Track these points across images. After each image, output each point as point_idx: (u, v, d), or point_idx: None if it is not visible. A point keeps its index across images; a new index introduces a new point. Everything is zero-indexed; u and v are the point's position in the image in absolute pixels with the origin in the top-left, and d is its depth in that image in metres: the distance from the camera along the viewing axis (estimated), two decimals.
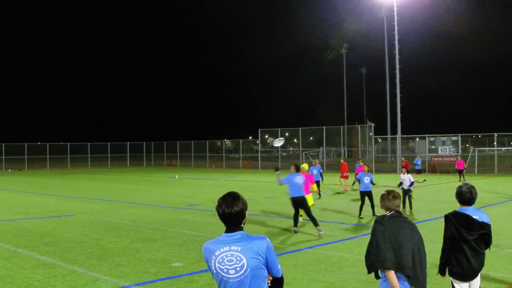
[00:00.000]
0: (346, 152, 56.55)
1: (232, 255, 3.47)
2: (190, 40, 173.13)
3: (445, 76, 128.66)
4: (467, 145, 52.77)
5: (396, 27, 45.04)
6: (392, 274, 4.53)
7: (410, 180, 16.52)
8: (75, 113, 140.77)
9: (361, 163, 24.51)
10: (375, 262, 4.65)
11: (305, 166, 14.70)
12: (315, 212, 13.63)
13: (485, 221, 5.26)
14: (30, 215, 16.57)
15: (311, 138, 57.68)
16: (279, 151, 54.39)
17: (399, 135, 45.02)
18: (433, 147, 43.15)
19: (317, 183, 21.71)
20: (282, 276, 3.65)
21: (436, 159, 42.58)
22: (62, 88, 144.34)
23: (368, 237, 4.92)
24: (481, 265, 5.26)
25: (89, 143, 60.73)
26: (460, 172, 32.17)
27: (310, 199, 14.02)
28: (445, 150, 42.12)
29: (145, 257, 10.02)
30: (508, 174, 39.05)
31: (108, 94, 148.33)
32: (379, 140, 61.16)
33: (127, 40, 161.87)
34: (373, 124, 50.94)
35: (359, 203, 15.81)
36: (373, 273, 4.80)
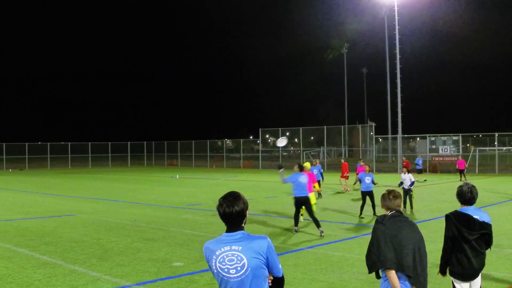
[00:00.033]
0: (347, 152, 56.52)
1: (233, 255, 3.47)
2: (190, 40, 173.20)
3: (446, 75, 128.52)
4: (468, 145, 52.75)
5: (396, 27, 45.04)
6: (393, 274, 4.53)
7: (410, 179, 16.52)
8: (76, 112, 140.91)
9: (362, 163, 24.54)
10: (376, 262, 4.65)
11: (307, 165, 14.68)
12: (315, 212, 13.61)
13: (486, 221, 5.25)
14: (31, 215, 16.58)
15: (312, 138, 57.64)
16: (280, 151, 54.40)
17: (399, 135, 45.01)
18: (433, 146, 43.14)
19: (318, 182, 21.70)
20: (282, 275, 3.65)
21: (436, 158, 42.56)
22: (62, 88, 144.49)
23: (369, 237, 4.92)
24: (481, 265, 5.25)
25: (89, 143, 60.77)
26: (461, 172, 32.16)
27: (312, 198, 14.01)
28: (445, 150, 42.11)
29: (146, 257, 10.02)
30: (509, 174, 39.04)
31: (108, 94, 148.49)
32: (380, 139, 61.12)
33: (127, 40, 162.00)
34: (374, 124, 50.97)
35: (360, 202, 15.81)
36: (374, 273, 4.80)
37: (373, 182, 15.64)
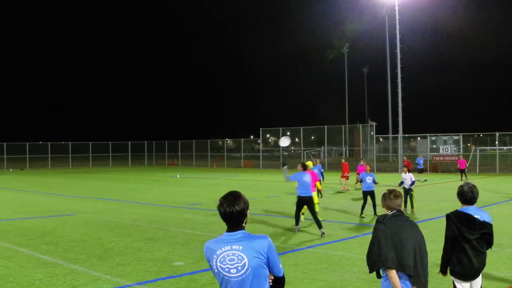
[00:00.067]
0: (347, 152, 56.50)
1: (234, 254, 3.47)
2: (190, 40, 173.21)
3: (447, 75, 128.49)
4: (469, 144, 52.71)
5: (397, 26, 45.03)
6: (393, 273, 4.53)
7: (411, 179, 16.53)
8: (77, 112, 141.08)
9: (362, 162, 24.54)
10: (376, 262, 4.64)
11: (309, 163, 14.64)
12: (318, 212, 13.58)
13: (486, 221, 5.24)
14: (32, 214, 16.58)
15: (313, 137, 57.63)
16: (281, 151, 54.39)
17: (400, 134, 45.00)
18: (434, 146, 43.13)
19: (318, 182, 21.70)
20: (283, 275, 3.65)
21: (437, 158, 42.54)
22: (63, 88, 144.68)
23: (370, 237, 4.91)
24: (482, 264, 5.25)
25: (90, 143, 60.80)
26: (462, 172, 32.15)
27: (315, 197, 13.99)
28: (446, 149, 42.09)
29: (147, 256, 10.02)
30: (510, 174, 39.02)
31: (109, 93, 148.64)
32: (381, 139, 61.11)
33: (127, 40, 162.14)
34: (374, 123, 50.94)
35: (360, 202, 15.80)
36: (374, 273, 4.80)
37: (374, 182, 15.63)
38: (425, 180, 31.71)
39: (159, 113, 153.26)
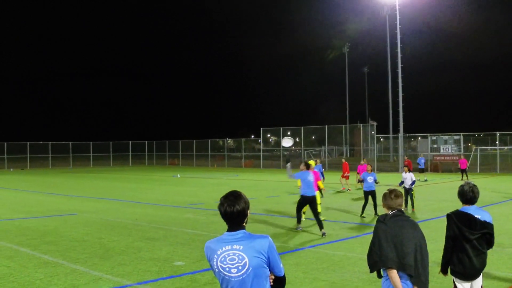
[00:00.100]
0: (348, 151, 56.50)
1: (234, 254, 3.47)
2: (190, 40, 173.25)
3: (447, 75, 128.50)
4: (469, 144, 52.67)
5: (398, 26, 45.02)
6: (394, 273, 4.53)
7: (411, 179, 16.52)
8: (77, 112, 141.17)
9: (363, 162, 24.53)
10: (377, 261, 4.64)
11: (311, 163, 14.57)
12: (320, 212, 13.56)
13: (487, 220, 5.24)
14: (32, 214, 16.59)
15: (313, 137, 57.63)
16: (281, 150, 54.37)
17: (401, 134, 44.98)
18: (435, 146, 43.12)
19: None
20: (284, 275, 3.65)
21: (438, 158, 42.52)
22: (64, 87, 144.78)
23: (370, 236, 4.91)
24: (483, 264, 5.24)
25: (91, 142, 60.82)
26: (463, 171, 32.14)
27: (317, 197, 13.96)
28: (447, 149, 42.08)
29: (147, 256, 10.03)
30: (510, 173, 38.98)
31: (109, 93, 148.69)
32: (381, 139, 61.13)
33: (128, 40, 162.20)
34: (375, 123, 50.91)
35: (361, 202, 15.80)
36: (375, 272, 4.80)
37: (375, 181, 15.64)
38: (426, 180, 31.70)
39: (160, 113, 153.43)
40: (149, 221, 14.70)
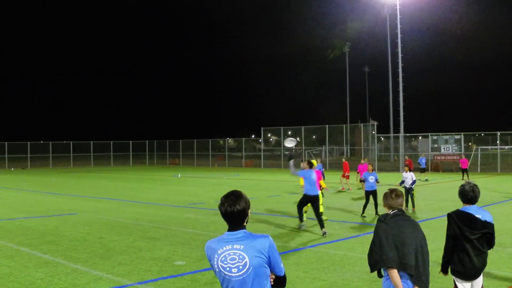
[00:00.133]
0: (348, 151, 56.50)
1: (235, 254, 3.47)
2: (191, 39, 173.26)
3: (448, 74, 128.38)
4: (470, 144, 52.68)
5: (398, 26, 45.01)
6: (395, 273, 4.52)
7: (412, 178, 16.52)
8: (78, 112, 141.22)
9: (363, 161, 24.53)
10: (378, 261, 4.64)
11: (313, 162, 14.51)
12: (322, 213, 13.54)
13: (488, 220, 5.24)
14: (33, 214, 16.60)
15: (314, 137, 57.66)
16: (282, 150, 54.38)
17: (401, 134, 44.98)
18: (435, 145, 43.11)
19: None
20: (284, 274, 3.65)
21: (438, 157, 42.51)
22: (64, 87, 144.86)
23: (371, 236, 4.91)
24: (483, 264, 5.24)
25: (91, 142, 60.85)
26: (464, 171, 32.13)
27: (319, 197, 13.92)
28: (447, 149, 42.06)
29: (148, 256, 10.03)
30: (511, 173, 38.97)
31: (110, 93, 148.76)
32: (382, 138, 61.14)
33: (128, 40, 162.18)
34: (376, 123, 50.89)
35: (361, 201, 15.80)
36: (376, 272, 4.80)
37: (376, 181, 15.63)
38: (427, 179, 31.69)
39: (160, 112, 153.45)
40: (150, 221, 14.71)
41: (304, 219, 13.88)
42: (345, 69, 75.23)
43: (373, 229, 4.94)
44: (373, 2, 52.77)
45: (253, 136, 75.74)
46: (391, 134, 54.90)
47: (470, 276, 5.22)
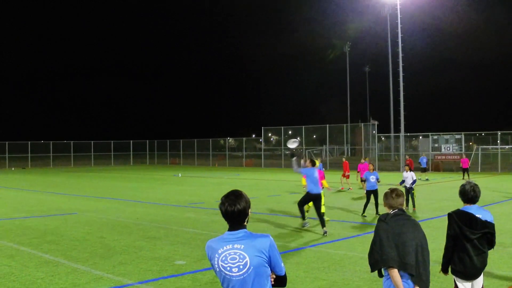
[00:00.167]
0: (349, 150, 56.51)
1: (235, 253, 3.47)
2: (192, 39, 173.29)
3: (448, 74, 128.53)
4: (471, 143, 52.65)
5: (399, 25, 44.98)
6: (395, 272, 4.52)
7: (412, 178, 16.50)
8: (78, 111, 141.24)
9: (363, 160, 24.51)
10: (378, 261, 4.64)
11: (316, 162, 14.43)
12: (324, 213, 13.53)
13: (488, 220, 5.24)
14: (33, 213, 16.60)
15: (314, 136, 57.66)
16: (282, 149, 54.36)
17: (402, 133, 44.97)
18: (436, 145, 43.11)
19: None
20: (285, 274, 3.65)
21: (439, 157, 42.50)
22: (65, 87, 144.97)
23: (371, 235, 4.91)
24: (484, 264, 5.23)
25: (92, 141, 60.88)
26: (465, 170, 32.12)
27: (322, 197, 13.87)
28: (448, 148, 42.06)
29: (148, 255, 10.03)
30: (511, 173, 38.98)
31: (110, 93, 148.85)
32: (383, 138, 61.13)
33: (129, 40, 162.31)
34: (376, 122, 50.89)
35: (362, 201, 15.79)
36: (376, 272, 4.80)
37: (377, 180, 15.63)
38: (427, 179, 31.68)
39: (161, 112, 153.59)
40: (150, 220, 14.71)
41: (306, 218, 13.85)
42: (346, 68, 75.34)
43: (373, 229, 4.93)
44: (373, 1, 52.76)
45: (253, 135, 75.79)
46: (392, 134, 54.91)
47: (470, 275, 5.21)
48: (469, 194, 5.35)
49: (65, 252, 10.40)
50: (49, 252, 10.45)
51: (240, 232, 3.53)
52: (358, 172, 24.95)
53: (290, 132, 55.79)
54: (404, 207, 4.94)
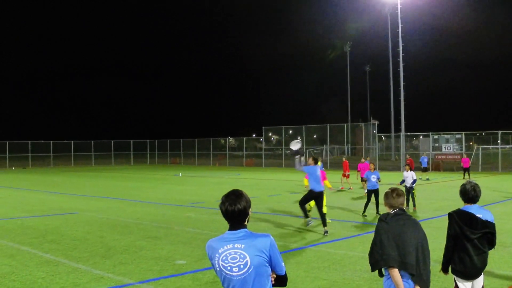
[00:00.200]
0: (349, 150, 56.50)
1: (236, 253, 3.47)
2: (192, 39, 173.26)
3: (449, 73, 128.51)
4: (471, 143, 52.67)
5: (400, 25, 44.95)
6: (396, 272, 4.52)
7: (413, 177, 16.49)
8: (79, 111, 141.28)
9: (363, 160, 24.50)
10: (378, 260, 4.64)
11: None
12: (326, 213, 13.51)
13: (489, 220, 5.23)
14: (34, 213, 16.61)
15: (315, 136, 57.65)
16: (283, 149, 54.37)
17: (403, 133, 44.96)
18: (436, 145, 43.10)
19: None
20: (285, 274, 3.65)
21: (440, 157, 42.49)
22: (65, 87, 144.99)
23: (372, 235, 4.91)
24: (484, 264, 5.23)
25: (92, 141, 60.90)
26: (466, 170, 32.11)
27: (324, 197, 13.82)
28: (449, 148, 42.05)
29: (149, 255, 10.04)
30: None
31: (111, 92, 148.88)
32: (383, 138, 61.09)
33: (129, 39, 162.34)
34: (377, 122, 50.88)
35: (362, 200, 15.78)
36: (376, 271, 4.80)
37: (378, 180, 15.63)
38: (428, 179, 31.67)
39: (161, 112, 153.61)
40: (151, 220, 14.71)
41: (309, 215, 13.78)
42: (346, 68, 75.25)
43: (373, 228, 4.93)
44: (374, 1, 52.72)
45: (254, 135, 75.75)
46: (392, 133, 54.87)
47: (470, 275, 5.21)
48: (470, 194, 5.34)
49: (66, 252, 10.41)
50: (50, 251, 10.46)
51: (240, 232, 3.54)
52: (358, 171, 24.94)
53: (290, 131, 55.81)
54: (404, 207, 4.94)
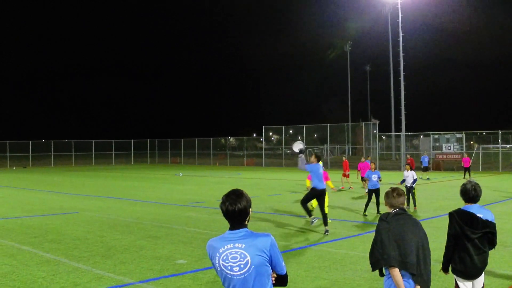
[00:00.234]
0: (350, 150, 56.49)
1: (236, 252, 3.47)
2: (192, 39, 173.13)
3: (449, 73, 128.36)
4: (472, 143, 52.66)
5: (400, 25, 44.92)
6: (396, 271, 4.52)
7: (413, 177, 16.49)
8: (79, 111, 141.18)
9: (363, 159, 24.50)
10: (379, 260, 4.64)
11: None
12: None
13: (489, 219, 5.23)
14: (34, 212, 16.61)
15: (315, 136, 57.64)
16: (283, 148, 54.38)
17: (403, 133, 44.94)
18: (437, 144, 43.10)
19: None
20: (286, 273, 3.65)
21: (440, 156, 42.49)
22: (65, 86, 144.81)
23: (372, 235, 4.91)
24: (484, 263, 5.23)
25: (93, 141, 60.94)
26: (466, 170, 32.10)
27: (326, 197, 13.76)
28: (449, 148, 42.05)
29: (149, 255, 10.04)
30: None
31: (111, 92, 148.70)
32: (383, 137, 61.06)
33: (129, 39, 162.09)
34: (377, 122, 50.88)
35: (363, 200, 15.78)
36: (377, 271, 4.80)
37: (379, 179, 15.62)
38: (428, 178, 31.67)
39: (162, 111, 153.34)
40: (151, 220, 14.72)
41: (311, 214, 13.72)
42: (347, 68, 75.25)
43: (374, 228, 4.93)
44: (374, 1, 52.68)
45: (254, 135, 75.74)
46: (393, 133, 54.85)
47: (470, 275, 5.21)
48: (470, 194, 5.34)
49: (66, 251, 10.41)
50: (50, 251, 10.46)
51: (241, 231, 3.54)
52: (358, 171, 24.94)
53: (291, 131, 55.81)
54: (405, 206, 4.93)
